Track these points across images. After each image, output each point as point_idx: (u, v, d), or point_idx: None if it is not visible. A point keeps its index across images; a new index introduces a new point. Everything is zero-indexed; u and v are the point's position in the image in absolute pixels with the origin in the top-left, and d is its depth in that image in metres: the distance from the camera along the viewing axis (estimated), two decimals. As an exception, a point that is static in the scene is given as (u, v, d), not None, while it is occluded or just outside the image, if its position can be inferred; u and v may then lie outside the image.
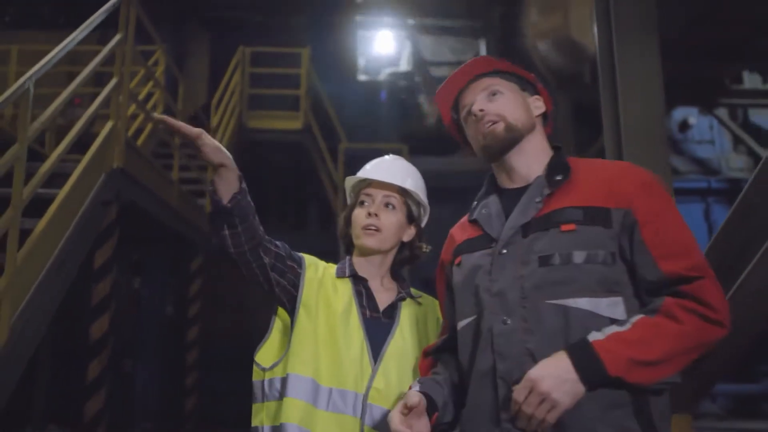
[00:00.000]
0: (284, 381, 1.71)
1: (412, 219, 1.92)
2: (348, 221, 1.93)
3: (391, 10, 11.83)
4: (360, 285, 1.86)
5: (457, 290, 1.61)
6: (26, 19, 9.83)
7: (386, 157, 2.00)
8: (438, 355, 1.70)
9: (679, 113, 11.00)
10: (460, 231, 1.70)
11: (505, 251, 1.49)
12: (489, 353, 1.45)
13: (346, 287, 1.85)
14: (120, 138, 4.52)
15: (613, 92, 3.66)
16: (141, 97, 6.09)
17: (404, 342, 1.79)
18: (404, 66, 12.82)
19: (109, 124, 4.45)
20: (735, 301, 2.59)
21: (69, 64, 6.70)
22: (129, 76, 4.74)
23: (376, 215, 1.85)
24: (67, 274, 3.73)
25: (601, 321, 1.37)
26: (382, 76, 12.68)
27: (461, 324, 1.57)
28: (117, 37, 4.49)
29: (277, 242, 1.81)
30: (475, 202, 1.68)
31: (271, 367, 1.76)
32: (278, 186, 10.59)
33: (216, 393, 7.41)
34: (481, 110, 1.59)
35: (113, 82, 4.43)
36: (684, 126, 11.26)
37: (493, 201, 1.62)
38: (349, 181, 1.99)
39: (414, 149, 9.64)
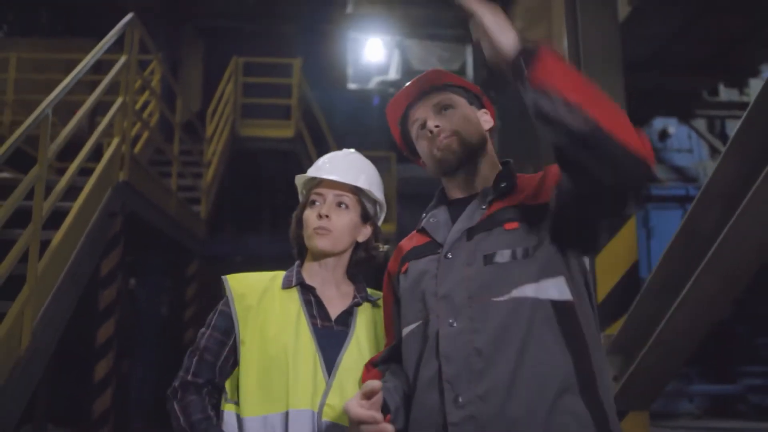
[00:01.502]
0: (240, 422, 1.62)
1: (367, 218, 1.80)
2: (299, 222, 1.80)
3: (381, 19, 12.11)
4: (309, 294, 1.73)
5: (404, 297, 1.57)
6: (25, 27, 9.98)
7: (339, 152, 1.88)
8: (385, 365, 1.62)
9: (659, 123, 11.36)
10: (407, 241, 1.67)
11: (450, 255, 1.48)
12: (434, 357, 1.41)
13: (293, 298, 1.72)
14: (126, 153, 4.81)
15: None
16: (138, 106, 6.32)
17: (360, 351, 1.68)
18: (393, 74, 13.09)
19: (115, 141, 4.73)
20: (679, 312, 2.93)
21: (66, 72, 6.90)
22: (132, 96, 5.00)
23: (327, 216, 1.72)
24: (79, 281, 4.01)
25: (546, 305, 1.37)
26: (372, 84, 12.96)
27: (406, 330, 1.53)
28: (122, 59, 4.76)
29: (197, 370, 1.72)
30: (424, 214, 1.66)
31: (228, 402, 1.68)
32: (271, 192, 10.87)
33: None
34: (437, 126, 1.57)
35: (119, 101, 4.70)
36: (664, 135, 11.63)
37: (441, 211, 1.61)
38: (299, 179, 1.87)
39: (402, 156, 9.92)
